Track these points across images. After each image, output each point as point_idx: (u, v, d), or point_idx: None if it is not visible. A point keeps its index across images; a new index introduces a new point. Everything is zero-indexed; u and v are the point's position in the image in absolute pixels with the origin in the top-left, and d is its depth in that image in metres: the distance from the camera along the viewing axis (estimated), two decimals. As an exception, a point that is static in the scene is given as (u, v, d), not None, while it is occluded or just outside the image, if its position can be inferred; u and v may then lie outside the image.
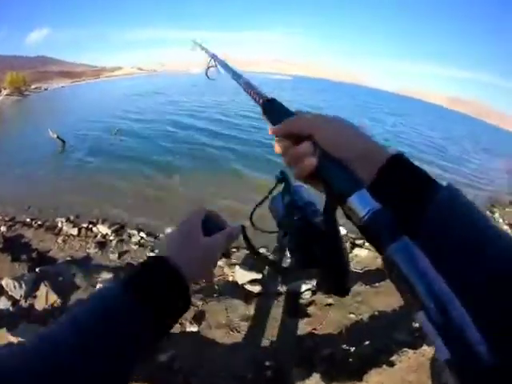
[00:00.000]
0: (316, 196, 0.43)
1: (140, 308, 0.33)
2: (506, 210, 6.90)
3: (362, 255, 3.78)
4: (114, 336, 0.31)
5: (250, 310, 2.70)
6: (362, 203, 0.29)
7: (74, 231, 4.38)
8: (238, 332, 2.46)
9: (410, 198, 0.30)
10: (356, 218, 0.30)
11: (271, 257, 3.68)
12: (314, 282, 2.91)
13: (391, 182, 0.32)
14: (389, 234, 0.26)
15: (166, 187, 6.34)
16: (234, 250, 3.71)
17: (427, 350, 1.95)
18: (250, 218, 0.49)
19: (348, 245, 4.02)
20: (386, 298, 2.74)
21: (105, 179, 6.63)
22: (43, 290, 2.86)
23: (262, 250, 3.79)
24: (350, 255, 3.79)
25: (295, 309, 2.74)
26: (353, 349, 2.24)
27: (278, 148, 0.40)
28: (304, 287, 2.90)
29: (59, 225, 4.62)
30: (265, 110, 0.47)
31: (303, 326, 2.55)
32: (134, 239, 4.27)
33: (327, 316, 2.64)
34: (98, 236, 4.34)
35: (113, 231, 4.45)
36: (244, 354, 2.26)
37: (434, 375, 1.79)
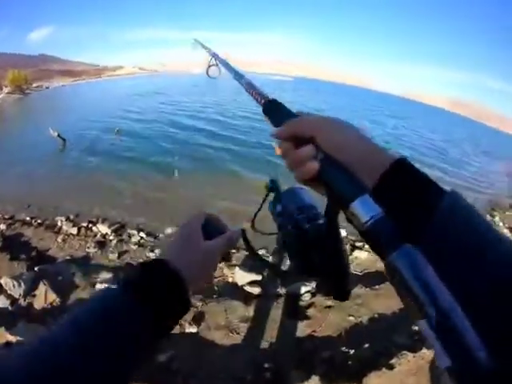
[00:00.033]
0: (317, 199, 0.43)
1: (140, 308, 0.33)
2: (506, 213, 6.89)
3: (362, 257, 3.77)
4: (113, 336, 0.31)
5: (250, 311, 2.69)
6: (364, 209, 0.29)
7: (74, 230, 4.37)
8: (238, 333, 2.46)
9: (414, 204, 0.30)
10: (358, 223, 0.30)
11: (271, 259, 3.67)
12: (314, 284, 2.91)
13: (395, 187, 0.32)
14: (391, 240, 0.26)
15: (166, 188, 6.33)
16: (234, 251, 3.70)
17: (427, 354, 1.95)
18: (252, 226, 0.49)
19: (348, 247, 4.01)
20: (386, 301, 2.73)
21: (105, 179, 6.63)
22: (42, 289, 2.85)
23: (261, 251, 3.78)
24: (350, 257, 3.78)
25: (295, 311, 2.73)
26: (352, 351, 2.24)
27: (278, 150, 0.40)
28: (303, 289, 2.90)
29: (59, 224, 4.62)
30: (266, 110, 0.47)
31: (303, 328, 2.54)
32: (134, 239, 4.27)
33: (327, 318, 2.63)
34: (98, 235, 4.34)
35: (112, 231, 4.44)
36: (243, 355, 2.25)
37: (433, 378, 1.79)
